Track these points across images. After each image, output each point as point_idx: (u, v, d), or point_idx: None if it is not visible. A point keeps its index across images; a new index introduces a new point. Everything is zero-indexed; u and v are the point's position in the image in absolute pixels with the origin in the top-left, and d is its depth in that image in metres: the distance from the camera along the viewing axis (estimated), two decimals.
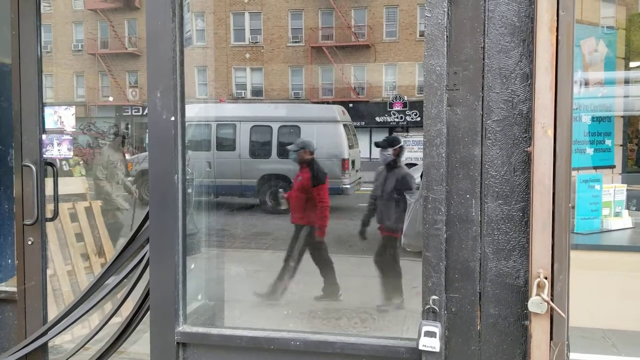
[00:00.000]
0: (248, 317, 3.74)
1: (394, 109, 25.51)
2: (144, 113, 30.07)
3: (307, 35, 29.02)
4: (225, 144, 12.45)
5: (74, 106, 3.32)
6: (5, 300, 3.18)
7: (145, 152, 19.09)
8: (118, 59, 30.66)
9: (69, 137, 3.18)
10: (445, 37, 2.16)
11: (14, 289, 3.14)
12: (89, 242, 4.64)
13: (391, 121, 25.63)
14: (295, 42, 28.95)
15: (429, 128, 2.17)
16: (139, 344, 3.36)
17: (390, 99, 26.02)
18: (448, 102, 2.18)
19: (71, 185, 4.70)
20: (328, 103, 21.80)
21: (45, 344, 3.05)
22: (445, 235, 2.17)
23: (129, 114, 29.64)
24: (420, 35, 25.36)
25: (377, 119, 25.80)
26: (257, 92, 28.86)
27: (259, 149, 12.51)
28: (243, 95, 28.59)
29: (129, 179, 13.49)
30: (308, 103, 25.79)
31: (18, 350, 2.98)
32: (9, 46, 3.50)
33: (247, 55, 28.87)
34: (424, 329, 2.10)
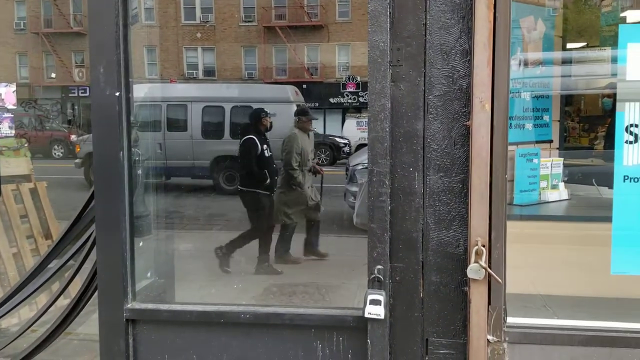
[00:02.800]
0: (199, 294, 3.76)
1: (347, 90, 25.61)
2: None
3: (260, 14, 28.67)
4: (177, 125, 12.26)
5: (14, 83, 3.21)
6: None
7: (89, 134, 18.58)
8: (63, 38, 29.51)
9: (10, 115, 3.09)
10: (389, 13, 2.20)
11: None
12: (35, 224, 4.54)
13: (344, 102, 25.75)
14: (248, 21, 28.56)
15: (373, 103, 2.21)
16: (87, 325, 3.34)
17: (344, 80, 26.09)
18: (392, 77, 2.23)
19: (13, 166, 4.55)
20: (281, 83, 21.70)
21: None
22: (389, 208, 2.23)
23: (76, 94, 28.66)
24: None
25: (331, 99, 25.86)
26: (209, 72, 28.40)
27: (212, 130, 12.37)
28: (195, 76, 28.10)
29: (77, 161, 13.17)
30: (261, 83, 25.57)
31: None
32: None
33: (199, 35, 28.33)
34: (370, 297, 2.17)
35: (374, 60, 2.21)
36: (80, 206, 2.88)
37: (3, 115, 3.02)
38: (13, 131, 3.07)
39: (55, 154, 20.47)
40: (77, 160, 13.19)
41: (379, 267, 2.21)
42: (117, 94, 2.45)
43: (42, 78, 29.30)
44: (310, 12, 28.16)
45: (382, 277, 2.20)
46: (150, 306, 2.49)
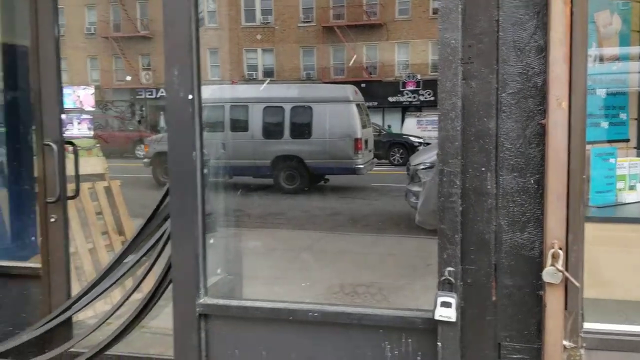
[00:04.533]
0: (265, 291, 3.82)
1: (406, 88, 25.36)
2: (158, 95, 30.21)
3: (319, 14, 28.80)
4: (238, 125, 12.50)
5: (92, 86, 3.36)
6: (30, 277, 3.26)
7: (160, 134, 19.23)
8: (131, 42, 30.70)
9: (88, 116, 3.24)
10: (460, 10, 2.17)
11: (38, 265, 3.23)
12: (109, 221, 4.74)
13: (404, 101, 25.50)
14: (307, 22, 28.76)
15: (443, 102, 2.19)
16: (160, 319, 3.46)
17: (403, 78, 25.84)
18: (463, 75, 2.19)
19: (91, 165, 4.78)
20: (340, 83, 21.74)
21: (69, 319, 3.14)
22: (460, 208, 2.19)
23: (143, 96, 29.75)
24: (433, 13, 25.08)
25: (390, 98, 25.67)
26: (268, 73, 28.79)
27: (272, 130, 12.55)
28: (255, 77, 28.56)
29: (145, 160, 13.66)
30: (319, 83, 25.69)
31: (43, 325, 3.08)
32: (25, 29, 3.57)
33: (259, 37, 28.77)
34: (440, 299, 2.15)
35: (445, 58, 2.18)
36: (149, 204, 2.99)
37: (82, 117, 3.17)
38: (92, 132, 3.21)
39: (139, 153, 20.98)
40: (145, 160, 13.69)
41: (450, 269, 2.18)
42: (190, 96, 2.53)
43: (112, 81, 30.59)
44: (369, 11, 28.05)
45: (453, 280, 2.17)
46: (221, 302, 2.55)
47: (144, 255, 2.99)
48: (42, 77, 3.15)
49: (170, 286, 2.77)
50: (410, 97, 25.40)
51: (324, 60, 28.99)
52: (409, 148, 16.64)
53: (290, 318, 2.45)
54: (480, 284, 2.22)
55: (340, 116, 11.82)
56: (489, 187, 2.20)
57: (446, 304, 2.14)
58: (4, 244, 3.92)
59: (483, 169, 2.20)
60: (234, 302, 2.55)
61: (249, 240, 5.71)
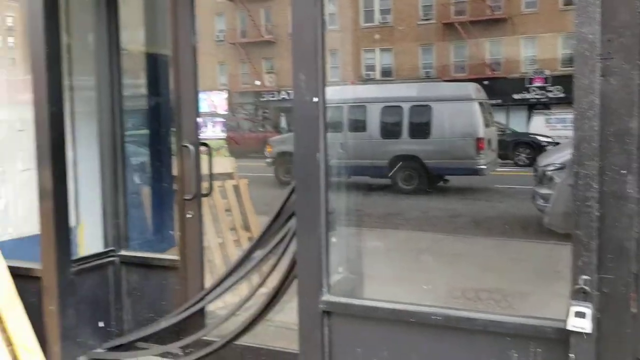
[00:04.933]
0: (385, 291, 3.83)
1: (533, 85, 24.05)
2: (280, 97, 31.37)
3: (439, 11, 28.20)
4: (357, 126, 12.60)
5: (225, 90, 3.58)
6: (169, 268, 3.54)
7: (282, 135, 19.95)
8: (256, 47, 32.14)
9: (221, 119, 3.45)
10: (598, 2, 2.03)
11: (177, 258, 3.49)
12: (237, 218, 5.01)
13: (530, 98, 24.20)
14: (426, 19, 28.28)
15: (580, 100, 2.06)
16: (284, 313, 3.58)
17: (530, 74, 24.53)
18: (601, 71, 2.05)
19: (221, 165, 5.08)
20: (461, 81, 21.10)
21: (202, 309, 3.38)
22: (597, 213, 2.06)
23: (266, 99, 31.02)
24: (564, 4, 23.54)
25: (515, 96, 24.48)
26: (386, 73, 28.70)
27: (390, 130, 12.50)
28: (372, 77, 28.61)
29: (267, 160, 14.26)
30: (440, 82, 25.15)
31: (180, 313, 3.33)
32: (166, 40, 3.88)
33: (377, 36, 28.77)
34: (574, 309, 2.03)
35: (581, 54, 2.06)
36: (272, 202, 3.12)
37: (215, 120, 3.38)
38: (224, 134, 3.41)
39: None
40: (268, 160, 14.26)
41: (585, 277, 2.05)
42: (316, 99, 2.61)
43: (238, 84, 32.27)
44: (492, 5, 26.96)
45: (588, 289, 2.04)
46: (343, 300, 2.61)
47: (270, 251, 3.13)
48: (181, 84, 3.40)
49: (294, 282, 2.88)
50: (537, 94, 24.06)
51: (444, 58, 28.32)
52: (535, 148, 15.73)
53: (412, 320, 2.45)
54: (619, 294, 2.07)
55: (461, 115, 11.49)
56: (629, 190, 2.04)
57: (580, 314, 2.02)
58: (145, 236, 4.29)
59: (624, 171, 2.04)
60: (356, 301, 2.59)
61: (368, 240, 5.75)
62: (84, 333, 3.48)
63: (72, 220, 3.59)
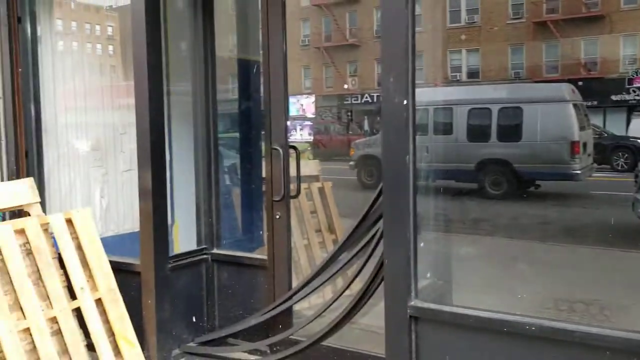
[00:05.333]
0: (474, 299, 3.73)
1: (633, 85, 22.54)
2: (362, 101, 31.40)
3: (529, 10, 27.12)
4: (442, 128, 12.36)
5: (314, 95, 3.64)
6: (258, 267, 3.64)
7: (365, 138, 19.95)
8: (339, 51, 32.38)
9: (309, 122, 3.51)
10: None
11: (265, 257, 3.59)
12: (322, 220, 5.06)
13: (630, 99, 22.69)
14: (516, 18, 27.28)
15: None
16: (369, 317, 3.58)
17: (630, 74, 23.01)
18: None
19: (306, 167, 5.16)
20: (554, 82, 20.16)
21: (290, 308, 3.45)
22: None
23: (349, 102, 31.14)
24: None
25: (613, 97, 23.05)
26: (473, 74, 27.95)
27: (477, 133, 12.16)
28: (458, 78, 27.97)
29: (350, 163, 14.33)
30: (530, 82, 24.15)
31: (269, 311, 3.41)
32: (258, 46, 4.00)
33: (463, 37, 28.09)
34: None
35: None
36: (354, 204, 3.12)
37: (304, 123, 3.45)
38: (312, 137, 3.47)
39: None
40: (351, 163, 14.30)
41: None
42: (405, 102, 2.59)
43: (322, 88, 32.64)
44: (588, 2, 25.57)
45: None
46: (432, 306, 2.56)
47: (356, 254, 3.14)
48: (271, 88, 3.49)
49: (381, 286, 2.87)
50: (638, 95, 22.52)
51: (535, 58, 27.18)
52: (635, 152, 14.71)
53: (504, 329, 2.37)
54: None
55: (554, 117, 10.97)
56: None
57: None
58: (236, 236, 4.44)
59: None
60: (445, 308, 2.54)
61: (455, 245, 5.62)
62: (178, 327, 3.65)
63: (167, 219, 3.78)
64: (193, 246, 3.93)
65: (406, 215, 2.60)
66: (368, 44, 28.89)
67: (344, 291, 3.13)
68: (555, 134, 10.88)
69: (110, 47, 5.23)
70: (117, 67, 5.08)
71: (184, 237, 4.01)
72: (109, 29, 5.17)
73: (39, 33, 4.34)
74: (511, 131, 11.63)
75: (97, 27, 5.13)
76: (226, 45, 4.62)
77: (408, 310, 2.57)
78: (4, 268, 2.98)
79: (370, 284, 2.98)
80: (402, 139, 2.61)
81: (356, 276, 3.08)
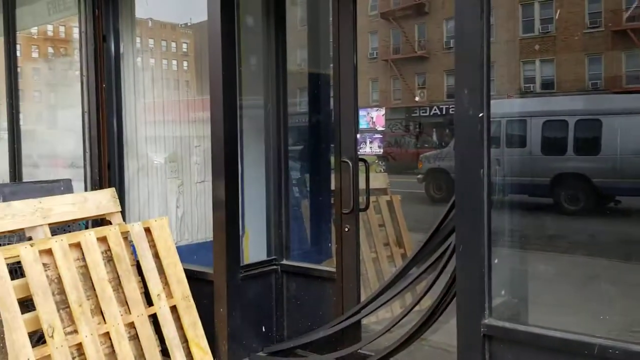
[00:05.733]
0: (550, 319, 3.57)
1: None
2: (431, 113, 31.01)
3: (608, 18, 25.95)
4: (516, 141, 11.99)
5: (384, 108, 3.63)
6: (326, 279, 3.65)
7: (434, 150, 19.63)
8: (408, 63, 32.18)
9: (379, 135, 3.50)
10: None
11: (333, 269, 3.59)
12: (390, 233, 5.02)
13: None
14: (594, 27, 26.18)
15: None
16: (439, 334, 3.50)
17: None
18: None
19: (375, 180, 5.14)
20: (635, 93, 19.16)
21: (358, 322, 3.42)
22: None
23: (417, 114, 30.85)
24: None
25: None
26: (547, 85, 26.99)
27: (553, 146, 11.71)
28: (532, 89, 27.09)
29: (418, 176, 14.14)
30: (609, 94, 23.05)
31: (337, 324, 3.41)
32: (328, 60, 4.04)
33: (537, 47, 27.22)
34: None
35: None
36: (422, 218, 3.06)
37: (374, 136, 3.44)
38: (382, 150, 3.46)
39: None
40: (419, 176, 14.11)
41: None
42: (480, 114, 2.53)
43: (390, 100, 32.52)
44: None
45: None
46: (507, 325, 2.47)
47: (427, 269, 3.08)
48: (342, 102, 3.51)
49: (452, 302, 2.81)
50: None
51: (614, 68, 25.94)
52: None
53: (585, 352, 2.25)
54: None
55: (636, 130, 10.41)
56: None
57: None
58: (304, 247, 4.48)
59: None
60: (521, 327, 2.45)
61: (529, 263, 5.42)
62: (248, 336, 3.70)
63: (240, 229, 3.86)
64: (263, 256, 3.99)
65: (480, 230, 2.53)
66: (437, 56, 28.55)
67: (414, 306, 3.08)
68: (636, 147, 10.31)
69: (185, 63, 5.45)
70: (191, 82, 5.28)
71: (254, 248, 4.08)
72: (184, 46, 5.38)
73: (121, 50, 4.58)
74: (589, 144, 11.13)
75: (173, 44, 5.35)
76: (294, 59, 4.70)
77: (481, 329, 2.49)
78: (87, 274, 3.14)
79: (442, 300, 2.91)
80: (477, 152, 2.55)
81: (427, 291, 3.02)
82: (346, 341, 3.44)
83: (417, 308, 3.13)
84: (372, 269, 4.81)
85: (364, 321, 3.72)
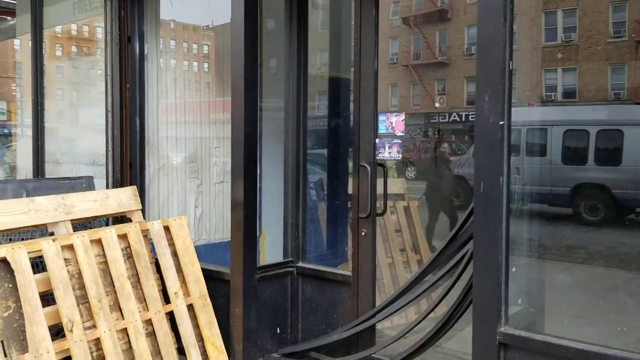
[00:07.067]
0: (566, 329, 3.53)
1: None
2: (450, 120, 30.86)
3: (633, 28, 25.66)
4: (535, 149, 11.86)
5: (404, 113, 3.64)
6: (342, 282, 3.65)
7: (452, 157, 19.51)
8: (428, 69, 32.11)
9: (398, 140, 3.51)
10: None
11: (349, 273, 3.60)
12: (407, 239, 5.00)
13: None
14: (617, 36, 25.91)
15: None
16: (454, 341, 3.48)
17: None
18: None
19: (392, 185, 5.13)
20: None
21: (373, 326, 3.42)
22: None
23: (436, 120, 30.71)
24: None
25: None
26: (569, 94, 26.76)
27: (573, 155, 11.57)
28: (553, 98, 26.85)
29: None
30: (631, 104, 22.73)
31: (352, 328, 3.41)
32: (348, 64, 4.05)
33: (559, 55, 26.97)
34: None
35: None
36: (439, 225, 3.05)
37: (393, 141, 3.44)
38: (400, 155, 3.47)
39: None
40: None
41: None
42: (501, 122, 2.53)
43: (409, 106, 32.45)
44: None
45: None
46: (523, 333, 2.46)
47: (444, 275, 3.08)
48: (361, 106, 3.52)
49: (468, 310, 2.80)
50: None
51: (637, 78, 25.59)
52: None
53: None
54: None
55: None
56: None
57: None
58: (320, 250, 4.49)
59: None
60: (537, 336, 2.43)
61: (547, 272, 5.37)
62: (263, 337, 3.73)
63: (257, 230, 3.89)
64: (279, 258, 4.01)
65: (498, 238, 2.52)
66: (457, 62, 28.47)
67: (429, 312, 3.07)
68: None
69: (205, 65, 5.50)
70: (212, 84, 5.34)
71: (270, 249, 4.11)
72: (205, 48, 5.44)
73: (145, 51, 4.64)
74: (610, 154, 10.98)
75: (194, 46, 5.41)
76: (314, 62, 4.72)
77: (497, 337, 2.48)
78: (106, 270, 3.19)
79: (458, 306, 2.91)
80: (496, 160, 2.54)
81: (443, 298, 3.01)
82: (360, 345, 3.45)
83: (431, 315, 3.13)
84: (388, 274, 4.80)
85: (378, 326, 3.73)
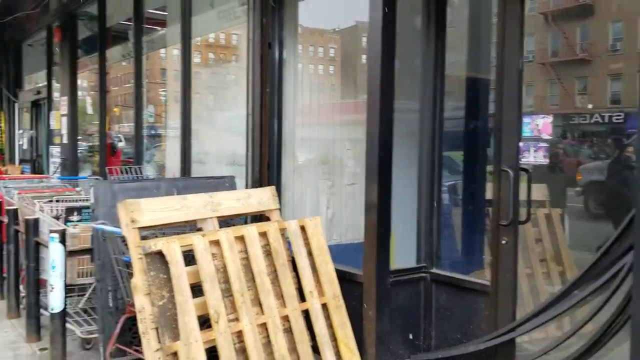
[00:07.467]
0: None
1: None
2: (592, 121, 28.69)
3: None
4: None
5: (551, 115, 3.42)
6: (479, 292, 3.50)
7: (594, 162, 18.06)
8: (567, 67, 30.13)
9: (545, 144, 3.30)
10: None
11: (487, 282, 3.43)
12: (548, 249, 4.69)
13: None
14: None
15: None
16: None
17: None
18: None
19: (534, 191, 4.84)
20: None
21: (513, 339, 3.24)
22: None
23: (576, 121, 28.70)
24: None
25: None
26: None
27: None
28: None
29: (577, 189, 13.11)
30: None
31: (491, 339, 3.26)
32: (487, 64, 3.89)
33: None
34: None
35: None
36: (581, 235, 2.81)
37: (538, 145, 3.24)
38: (547, 160, 3.25)
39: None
40: (577, 189, 13.05)
41: None
42: None
43: (545, 106, 30.65)
44: None
45: None
46: None
47: (596, 290, 2.83)
48: (504, 108, 3.34)
49: (622, 327, 2.56)
50: None
51: None
52: None
53: None
54: None
55: None
56: None
57: None
58: (454, 257, 4.35)
59: None
60: None
61: None
62: (395, 342, 3.68)
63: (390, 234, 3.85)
64: (412, 263, 3.95)
65: None
66: (601, 59, 26.37)
67: (580, 328, 2.85)
68: None
69: (331, 68, 5.59)
70: (337, 86, 5.40)
71: (399, 253, 4.04)
72: (331, 51, 5.52)
73: (284, 56, 4.81)
74: None
75: (320, 49, 5.51)
76: (456, 62, 4.58)
77: None
78: (248, 265, 3.33)
79: (612, 323, 2.66)
80: None
81: (596, 313, 2.77)
82: (498, 358, 3.28)
83: (581, 332, 2.89)
84: (527, 285, 4.52)
85: (517, 339, 3.53)
